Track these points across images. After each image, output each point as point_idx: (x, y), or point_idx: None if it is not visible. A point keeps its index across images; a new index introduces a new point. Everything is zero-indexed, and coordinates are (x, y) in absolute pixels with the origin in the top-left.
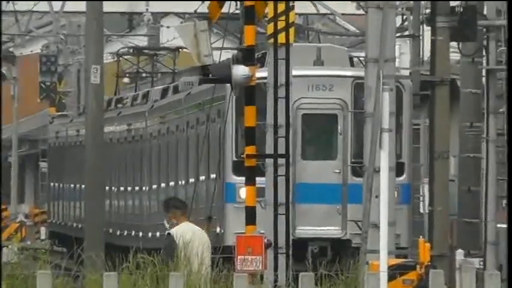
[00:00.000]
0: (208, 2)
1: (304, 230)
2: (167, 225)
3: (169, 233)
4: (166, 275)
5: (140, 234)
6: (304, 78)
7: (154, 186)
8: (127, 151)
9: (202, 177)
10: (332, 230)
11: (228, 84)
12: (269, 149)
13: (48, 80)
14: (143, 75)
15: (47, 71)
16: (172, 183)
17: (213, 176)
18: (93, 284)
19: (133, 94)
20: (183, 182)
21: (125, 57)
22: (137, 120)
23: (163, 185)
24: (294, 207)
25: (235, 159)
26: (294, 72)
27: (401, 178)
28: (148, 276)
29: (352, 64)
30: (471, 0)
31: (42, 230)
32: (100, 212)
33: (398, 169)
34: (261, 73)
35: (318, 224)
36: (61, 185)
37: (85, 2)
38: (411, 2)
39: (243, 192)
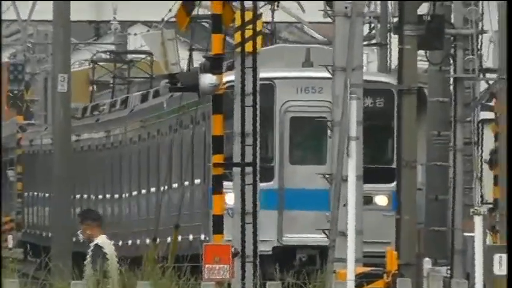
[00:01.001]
0: (176, 10)
1: (292, 238)
2: (81, 237)
3: (97, 244)
4: (134, 283)
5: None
6: (292, 80)
7: (125, 194)
8: (104, 158)
9: (186, 183)
10: (321, 238)
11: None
12: (237, 158)
13: (15, 89)
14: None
15: (14, 79)
16: (143, 191)
17: (197, 181)
18: None
19: (110, 100)
20: (165, 188)
21: (101, 63)
22: (117, 126)
23: (134, 192)
24: (281, 214)
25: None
26: (282, 74)
27: (393, 184)
28: (116, 285)
29: None
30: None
31: (10, 238)
32: (67, 220)
33: (389, 175)
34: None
35: (306, 231)
36: (35, 193)
37: (52, 11)
38: (379, 10)
39: (228, 199)
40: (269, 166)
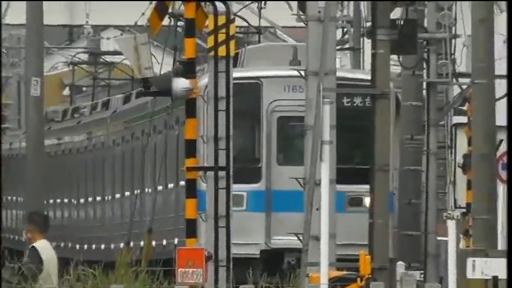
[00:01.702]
0: (149, 14)
1: (280, 240)
2: (26, 237)
3: (33, 247)
4: (108, 286)
5: (81, 246)
6: (279, 79)
7: (99, 198)
8: (79, 162)
9: (170, 185)
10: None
11: (201, 84)
12: (210, 162)
13: None
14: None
15: None
16: (117, 195)
17: (182, 183)
18: None
19: (91, 103)
20: (139, 192)
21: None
22: (99, 128)
23: (108, 196)
24: (269, 216)
25: (207, 165)
26: (268, 72)
27: None
28: None
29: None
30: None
31: None
32: None
33: None
34: (238, 73)
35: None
36: (14, 197)
37: (25, 16)
38: (352, 15)
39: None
40: (256, 167)
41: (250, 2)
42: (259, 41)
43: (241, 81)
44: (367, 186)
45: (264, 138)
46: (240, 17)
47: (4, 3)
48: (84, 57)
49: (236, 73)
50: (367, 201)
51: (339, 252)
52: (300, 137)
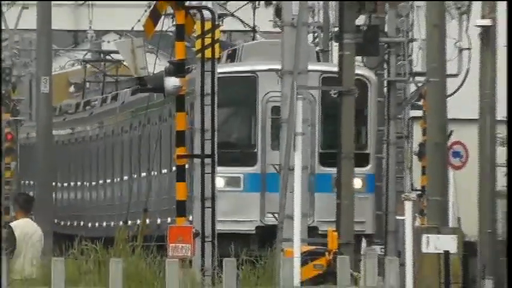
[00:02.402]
0: (144, 21)
1: (273, 218)
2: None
3: (8, 225)
4: (108, 259)
5: (85, 224)
6: (273, 73)
7: (101, 181)
8: (98, 148)
9: (164, 170)
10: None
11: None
12: (198, 150)
13: (4, 89)
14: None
15: (3, 81)
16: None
17: (164, 170)
18: (44, 268)
19: (101, 96)
20: (136, 177)
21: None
22: (109, 117)
23: (109, 180)
24: (263, 196)
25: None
26: (263, 66)
27: (366, 168)
28: (91, 261)
29: (319, 59)
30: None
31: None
32: (48, 204)
33: (363, 160)
34: (228, 68)
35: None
36: (30, 182)
37: (35, 21)
38: (322, 21)
39: (218, 182)
40: (252, 152)
41: (245, 2)
42: (253, 39)
43: (239, 74)
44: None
45: (259, 126)
46: (236, 17)
47: (16, 11)
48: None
49: (234, 67)
50: (354, 182)
51: (327, 228)
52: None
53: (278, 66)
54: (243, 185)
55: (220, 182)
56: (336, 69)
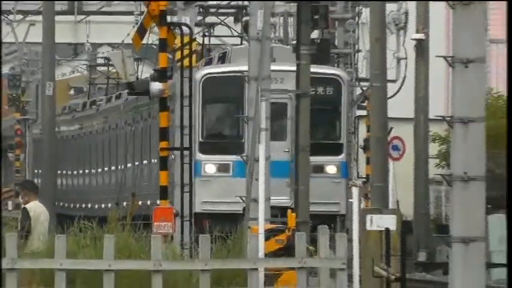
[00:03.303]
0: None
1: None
2: (21, 201)
3: (24, 207)
4: (102, 235)
5: (84, 205)
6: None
7: (99, 169)
8: (96, 142)
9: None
10: (281, 200)
11: (197, 76)
12: (178, 144)
13: (14, 93)
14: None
15: (13, 85)
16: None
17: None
18: (48, 243)
19: (106, 96)
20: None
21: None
22: (114, 113)
23: (106, 168)
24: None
25: (201, 140)
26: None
27: (340, 157)
28: (88, 237)
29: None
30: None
31: (10, 203)
32: (52, 189)
33: (337, 149)
34: (218, 68)
35: (272, 195)
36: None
37: (41, 35)
38: (282, 34)
39: (208, 168)
40: (240, 142)
41: (219, 21)
42: (241, 43)
43: (229, 74)
44: (327, 157)
45: (246, 120)
46: (225, 24)
47: (25, 27)
48: (84, 66)
49: (225, 68)
50: (328, 168)
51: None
52: (275, 119)
53: (272, 67)
54: (232, 171)
55: (212, 168)
56: (315, 70)
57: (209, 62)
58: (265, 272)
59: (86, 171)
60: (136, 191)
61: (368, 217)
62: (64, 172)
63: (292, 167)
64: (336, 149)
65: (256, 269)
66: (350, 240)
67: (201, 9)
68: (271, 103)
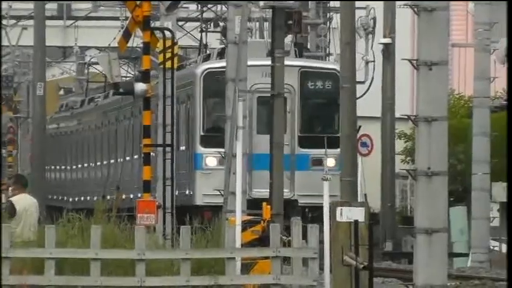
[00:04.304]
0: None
1: (259, 192)
2: (10, 194)
3: (10, 200)
4: (89, 226)
5: (72, 198)
6: (259, 67)
7: (86, 164)
8: (102, 134)
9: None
10: (283, 192)
11: (198, 71)
12: (161, 141)
13: (7, 93)
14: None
15: (6, 86)
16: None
17: (182, 148)
18: (38, 233)
19: (103, 93)
20: (112, 161)
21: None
22: (113, 106)
23: (92, 164)
24: (251, 173)
25: (202, 134)
26: (250, 62)
27: (338, 149)
28: (76, 228)
29: (297, 56)
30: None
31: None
32: (41, 183)
33: (335, 142)
34: (218, 63)
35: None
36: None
37: (33, 39)
38: (258, 38)
39: (209, 161)
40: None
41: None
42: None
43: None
44: (327, 150)
45: (246, 113)
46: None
47: (17, 31)
48: (73, 68)
49: (224, 63)
50: (327, 161)
51: (305, 200)
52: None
53: (262, 62)
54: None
55: (213, 161)
56: (314, 64)
57: (207, 58)
58: (241, 261)
59: (75, 166)
60: (120, 185)
61: (338, 209)
62: (53, 167)
63: (292, 159)
64: (334, 142)
65: (234, 258)
66: (321, 232)
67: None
68: (269, 97)
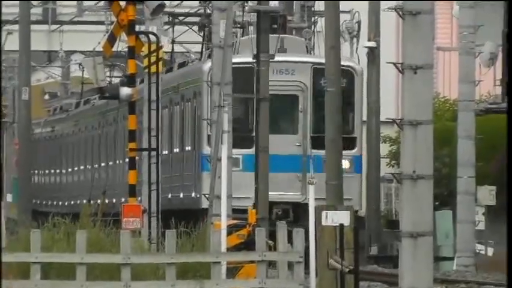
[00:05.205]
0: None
1: (269, 195)
2: None
3: None
4: (75, 231)
5: (57, 203)
6: (269, 63)
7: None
8: (101, 135)
9: (176, 150)
10: (293, 195)
11: (205, 68)
12: (146, 145)
13: None
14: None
15: None
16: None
17: (188, 148)
18: (24, 237)
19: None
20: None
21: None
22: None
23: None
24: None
25: (209, 133)
26: (261, 58)
27: (354, 151)
28: (62, 232)
29: (309, 52)
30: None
31: None
32: (27, 187)
33: (350, 143)
34: (234, 59)
35: (281, 190)
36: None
37: (18, 43)
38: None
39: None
40: (250, 136)
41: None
42: (242, 35)
43: (238, 65)
44: (343, 152)
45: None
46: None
47: (3, 35)
48: (58, 73)
49: (234, 59)
50: (343, 163)
51: (318, 204)
52: (285, 111)
53: (275, 58)
54: (241, 165)
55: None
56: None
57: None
58: (227, 265)
59: (60, 170)
60: (106, 189)
61: (324, 213)
62: (39, 172)
63: (304, 161)
64: (349, 143)
65: (219, 262)
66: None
67: (170, 18)
68: (281, 95)
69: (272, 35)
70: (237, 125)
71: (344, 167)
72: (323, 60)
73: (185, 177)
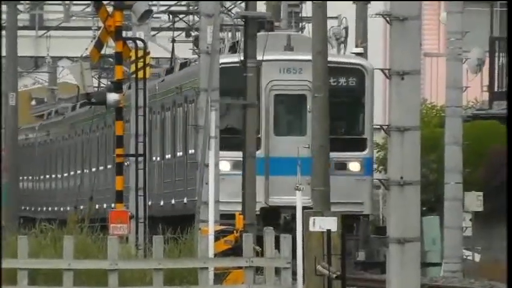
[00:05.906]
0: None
1: (277, 199)
2: None
3: None
4: (62, 237)
5: (44, 208)
6: (276, 62)
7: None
8: (92, 139)
9: (179, 153)
10: (302, 199)
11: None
12: (133, 151)
13: None
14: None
15: None
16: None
17: (191, 151)
18: (12, 244)
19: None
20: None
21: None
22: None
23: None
24: (267, 179)
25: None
26: (266, 56)
27: (364, 152)
28: (49, 238)
29: None
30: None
31: None
32: (15, 194)
33: (361, 145)
34: (230, 58)
35: (289, 194)
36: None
37: (5, 49)
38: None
39: (222, 166)
40: (256, 137)
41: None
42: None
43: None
44: (351, 153)
45: (263, 113)
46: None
47: None
48: (45, 79)
49: (238, 58)
50: (350, 166)
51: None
52: (293, 112)
53: (280, 57)
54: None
55: (226, 166)
56: (336, 59)
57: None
58: (214, 271)
59: (48, 176)
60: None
61: (311, 219)
62: (26, 178)
63: (313, 163)
64: (359, 145)
65: (207, 268)
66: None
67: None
68: (289, 95)
69: (278, 33)
70: (238, 127)
71: (354, 169)
72: (332, 58)
73: (190, 182)
